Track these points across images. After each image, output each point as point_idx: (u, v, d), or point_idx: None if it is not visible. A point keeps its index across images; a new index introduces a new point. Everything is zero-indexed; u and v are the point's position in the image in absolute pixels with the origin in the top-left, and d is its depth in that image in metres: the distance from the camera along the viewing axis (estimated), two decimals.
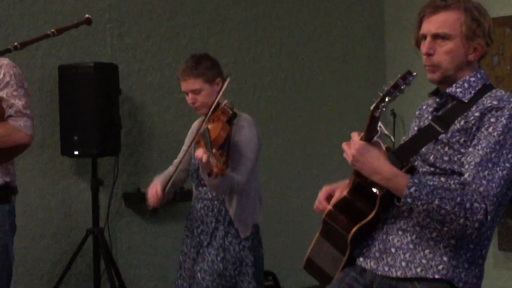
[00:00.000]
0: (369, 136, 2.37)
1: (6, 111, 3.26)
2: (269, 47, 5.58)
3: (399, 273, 2.42)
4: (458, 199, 2.28)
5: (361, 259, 2.55)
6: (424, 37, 2.46)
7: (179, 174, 3.71)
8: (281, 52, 5.64)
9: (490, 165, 2.31)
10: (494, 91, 2.43)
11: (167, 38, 5.16)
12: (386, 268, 2.46)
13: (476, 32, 2.41)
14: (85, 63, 4.63)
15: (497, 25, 4.56)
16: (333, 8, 5.87)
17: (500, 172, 2.31)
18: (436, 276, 2.37)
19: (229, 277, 3.58)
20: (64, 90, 4.60)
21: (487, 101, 2.39)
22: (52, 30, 3.27)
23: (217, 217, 3.63)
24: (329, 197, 2.66)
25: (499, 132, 2.33)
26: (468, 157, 2.35)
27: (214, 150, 3.28)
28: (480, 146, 2.34)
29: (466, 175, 2.33)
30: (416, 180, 2.33)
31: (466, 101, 2.42)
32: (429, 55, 2.44)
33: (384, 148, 2.42)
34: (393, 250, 2.46)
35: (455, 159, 2.40)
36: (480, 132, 2.36)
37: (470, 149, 2.36)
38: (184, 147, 3.82)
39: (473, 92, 2.43)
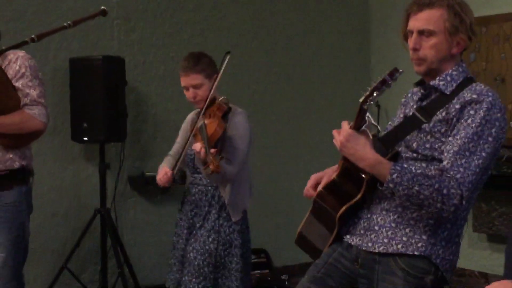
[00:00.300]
0: (357, 125, 2.41)
1: (22, 100, 3.28)
2: (263, 43, 5.63)
3: (381, 249, 2.49)
4: (436, 185, 2.32)
5: (347, 236, 2.62)
6: (411, 32, 2.50)
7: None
8: (275, 48, 5.68)
9: (467, 153, 2.35)
10: (474, 84, 2.47)
11: (170, 33, 5.22)
12: (370, 244, 2.52)
13: (458, 27, 2.45)
14: (94, 56, 4.69)
15: (474, 25, 4.71)
16: (323, 8, 5.89)
17: (476, 161, 2.35)
18: (416, 253, 2.44)
19: (219, 257, 3.67)
20: (75, 81, 4.67)
21: (467, 94, 2.43)
22: (69, 22, 3.21)
23: (210, 201, 3.71)
24: (316, 185, 2.71)
25: (477, 124, 2.37)
26: (448, 146, 2.40)
27: (212, 150, 3.38)
28: (459, 136, 2.38)
29: (445, 162, 2.37)
30: (398, 167, 2.36)
31: (448, 93, 2.47)
32: (415, 49, 2.48)
33: (371, 137, 2.45)
34: (376, 228, 2.52)
35: (436, 146, 2.45)
36: (459, 123, 2.40)
37: (450, 138, 2.40)
38: (178, 139, 3.90)
39: (454, 85, 2.48)
